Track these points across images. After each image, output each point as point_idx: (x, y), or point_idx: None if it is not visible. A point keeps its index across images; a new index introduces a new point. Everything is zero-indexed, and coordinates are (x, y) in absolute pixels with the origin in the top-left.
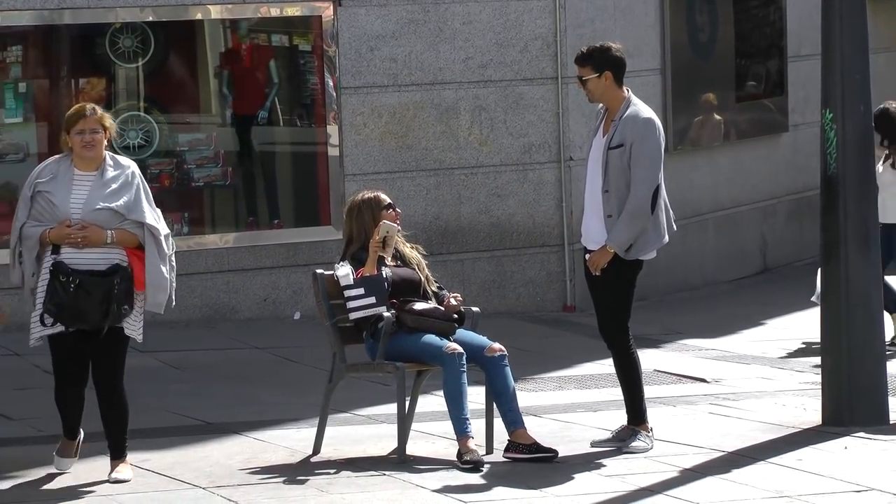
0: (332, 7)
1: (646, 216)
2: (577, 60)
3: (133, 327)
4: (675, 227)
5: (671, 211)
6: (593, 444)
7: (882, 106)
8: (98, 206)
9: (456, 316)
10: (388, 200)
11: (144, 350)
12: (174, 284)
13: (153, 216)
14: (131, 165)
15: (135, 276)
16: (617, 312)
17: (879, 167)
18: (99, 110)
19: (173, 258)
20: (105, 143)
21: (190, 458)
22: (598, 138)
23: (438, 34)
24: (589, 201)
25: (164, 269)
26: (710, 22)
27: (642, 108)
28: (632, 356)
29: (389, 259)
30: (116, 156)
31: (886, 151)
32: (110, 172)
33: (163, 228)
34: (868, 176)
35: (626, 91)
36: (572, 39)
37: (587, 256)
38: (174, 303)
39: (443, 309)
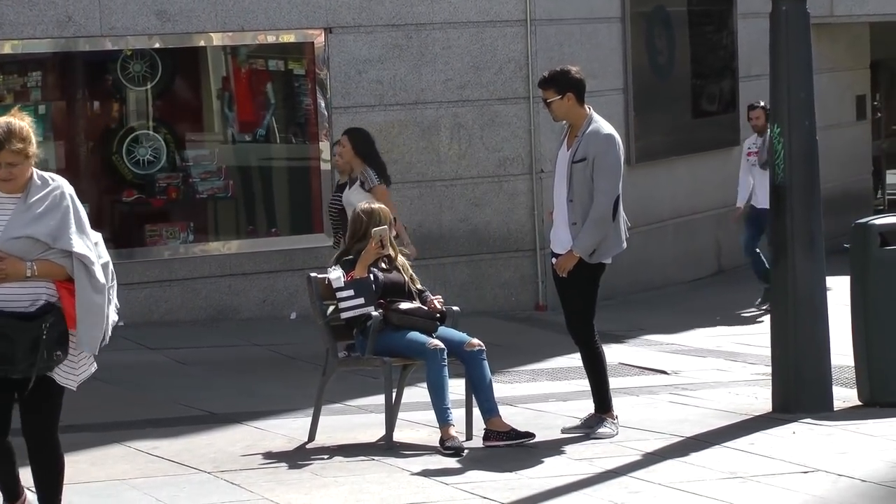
0: (323, 34)
1: (608, 223)
2: (541, 84)
3: (68, 375)
4: (628, 234)
5: (627, 221)
6: (564, 431)
7: (353, 128)
8: (16, 235)
9: (438, 315)
10: (389, 215)
11: (154, 347)
12: (115, 319)
13: (84, 243)
14: (61, 185)
15: (66, 312)
16: (583, 311)
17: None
18: (19, 136)
19: (114, 291)
20: (30, 167)
21: (196, 445)
22: (562, 152)
23: (420, 58)
24: (556, 210)
25: (97, 299)
26: (668, 45)
27: (603, 125)
28: (597, 350)
29: (393, 255)
30: (46, 174)
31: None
32: (35, 195)
33: (98, 256)
34: (813, 185)
35: (587, 108)
36: (542, 62)
37: (554, 260)
38: (107, 341)
39: (426, 308)
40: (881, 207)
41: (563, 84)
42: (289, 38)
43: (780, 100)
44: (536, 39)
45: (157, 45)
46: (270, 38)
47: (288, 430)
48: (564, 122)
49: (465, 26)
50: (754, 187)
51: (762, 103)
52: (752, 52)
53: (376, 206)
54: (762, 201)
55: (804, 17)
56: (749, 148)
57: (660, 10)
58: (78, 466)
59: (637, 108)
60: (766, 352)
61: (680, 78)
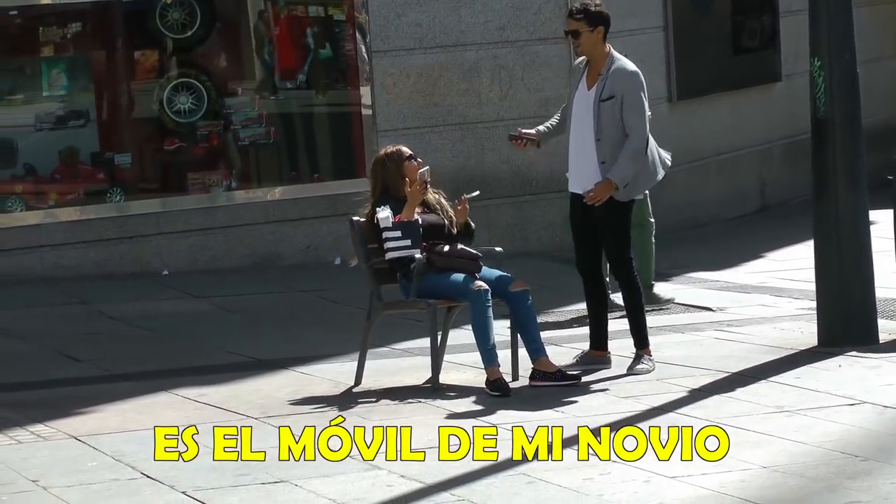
0: None
1: (642, 156)
2: (573, 15)
3: None
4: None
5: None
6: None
7: None
8: None
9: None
10: (409, 152)
11: (199, 295)
12: None
13: None
14: None
15: None
16: (621, 248)
17: None
18: None
19: None
20: None
21: (242, 391)
22: (582, 92)
23: (459, 0)
24: (578, 149)
25: None
26: None
27: (627, 63)
28: (636, 286)
29: (431, 196)
30: None
31: None
32: None
33: None
34: (855, 119)
35: (608, 47)
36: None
37: (585, 191)
38: None
39: (469, 250)
40: None
41: (596, 18)
42: None
43: (819, 33)
44: None
45: None
46: None
47: (334, 374)
48: (581, 60)
49: None
50: None
51: None
52: None
53: (393, 148)
54: None
55: None
56: None
57: None
58: (126, 415)
59: (677, 45)
60: (811, 287)
61: (720, 14)
